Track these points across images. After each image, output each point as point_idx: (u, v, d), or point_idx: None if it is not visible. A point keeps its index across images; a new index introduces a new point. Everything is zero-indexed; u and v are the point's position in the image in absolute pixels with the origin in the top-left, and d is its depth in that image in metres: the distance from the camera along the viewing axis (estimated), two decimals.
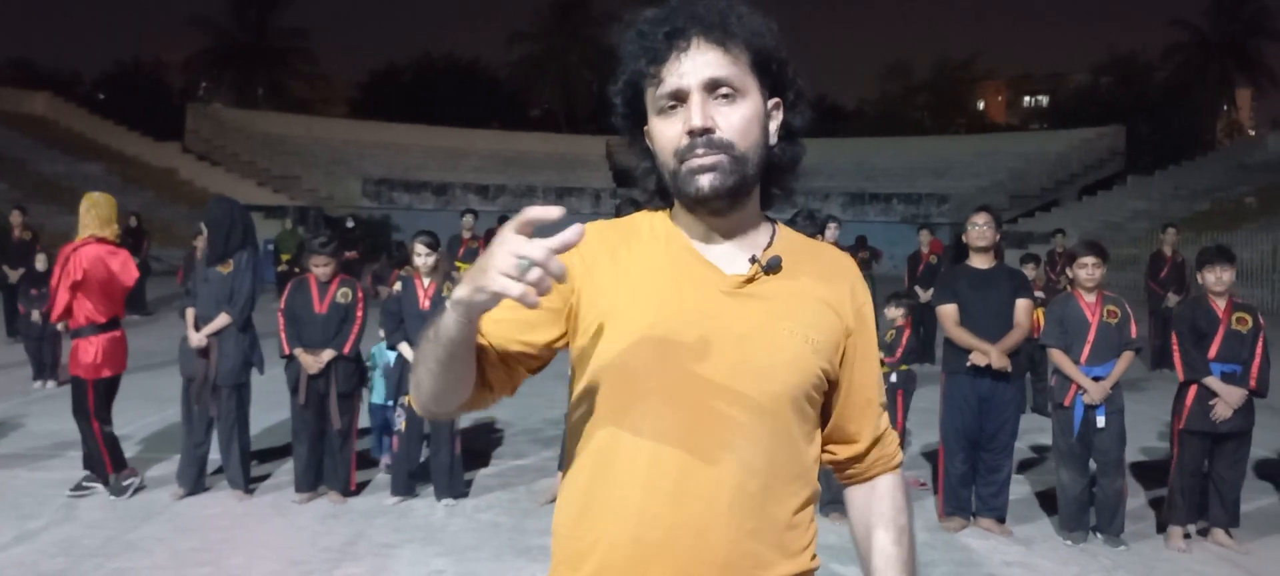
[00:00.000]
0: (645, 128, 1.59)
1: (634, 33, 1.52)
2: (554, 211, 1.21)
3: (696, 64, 1.47)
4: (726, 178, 1.47)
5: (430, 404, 1.51)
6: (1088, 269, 5.69)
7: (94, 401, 5.97)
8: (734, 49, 1.48)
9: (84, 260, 5.88)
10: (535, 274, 1.18)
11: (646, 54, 1.49)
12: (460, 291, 1.30)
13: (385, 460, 6.73)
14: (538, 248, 1.18)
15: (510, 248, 1.19)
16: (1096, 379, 5.59)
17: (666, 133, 1.50)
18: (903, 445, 6.81)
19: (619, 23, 1.58)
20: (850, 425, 1.67)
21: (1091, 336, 5.63)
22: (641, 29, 1.51)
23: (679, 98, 1.48)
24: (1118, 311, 5.67)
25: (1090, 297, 5.72)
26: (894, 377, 6.59)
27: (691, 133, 1.46)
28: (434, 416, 1.56)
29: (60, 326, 5.99)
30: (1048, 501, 6.55)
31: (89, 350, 5.95)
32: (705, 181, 1.47)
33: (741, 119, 1.49)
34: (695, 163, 1.47)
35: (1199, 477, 5.73)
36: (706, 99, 1.47)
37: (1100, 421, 5.58)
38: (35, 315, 9.75)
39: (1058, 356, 5.71)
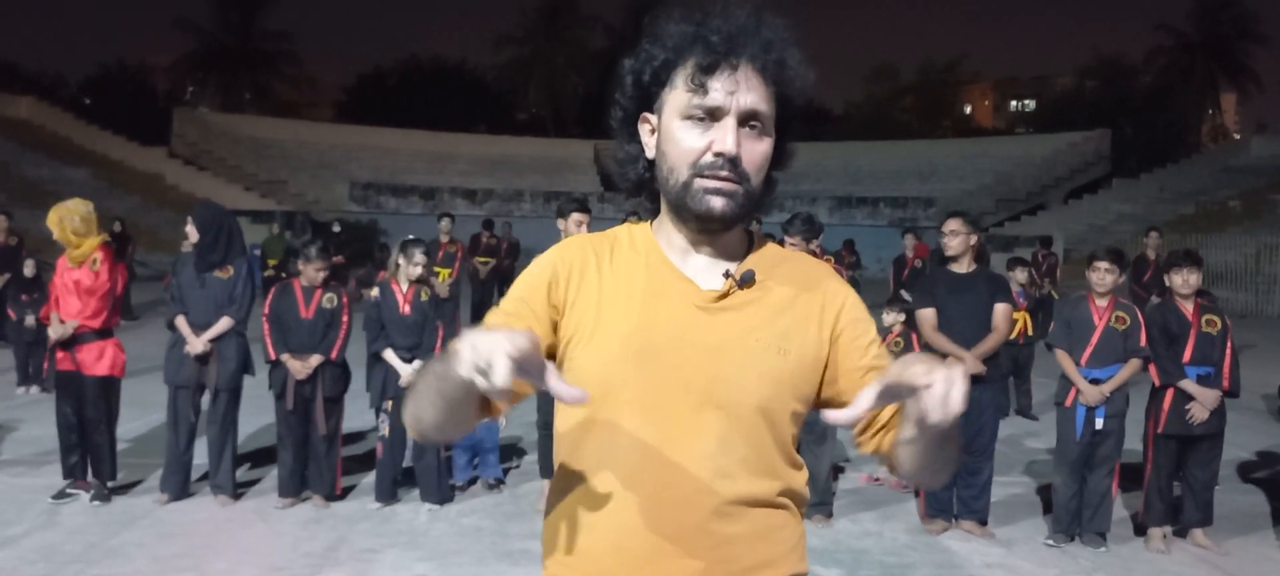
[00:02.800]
0: (645, 114, 1.60)
1: (691, 26, 1.52)
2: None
3: (743, 90, 1.49)
4: (737, 208, 1.51)
5: (432, 433, 1.52)
6: (1099, 273, 5.72)
7: (113, 402, 6.10)
8: (773, 89, 1.52)
9: (122, 270, 6.17)
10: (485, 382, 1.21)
11: (699, 53, 1.49)
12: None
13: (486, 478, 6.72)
14: (500, 369, 1.19)
15: (484, 346, 1.21)
16: (1095, 381, 5.63)
17: (689, 141, 1.51)
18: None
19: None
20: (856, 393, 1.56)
21: (1095, 339, 5.66)
22: (700, 25, 1.51)
23: (714, 115, 1.49)
24: (1127, 318, 5.68)
25: (1102, 302, 5.75)
26: None
27: (719, 154, 1.49)
28: (429, 440, 1.57)
29: (71, 328, 5.96)
30: (1029, 503, 6.60)
31: (119, 351, 6.09)
32: (717, 204, 1.50)
33: (762, 156, 1.53)
34: (712, 183, 1.50)
35: (1173, 479, 5.79)
36: (741, 128, 1.50)
37: (1099, 423, 5.62)
38: (29, 320, 9.69)
39: (1061, 356, 5.76)
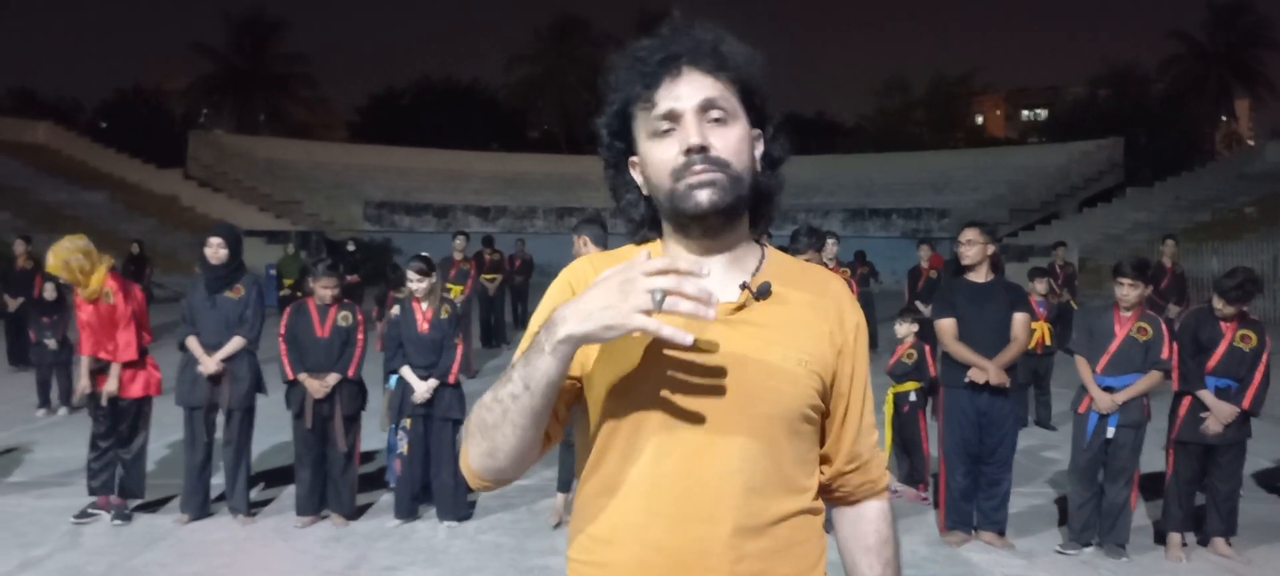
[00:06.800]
0: (632, 159, 1.63)
1: (627, 61, 1.57)
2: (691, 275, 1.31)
3: (690, 88, 1.51)
4: (725, 194, 1.50)
5: (507, 466, 1.50)
6: (1123, 288, 5.70)
7: (144, 420, 6.24)
8: (724, 78, 1.53)
9: (136, 291, 6.22)
10: (670, 301, 1.29)
11: (641, 79, 1.53)
12: (574, 327, 1.34)
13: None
14: (669, 278, 1.29)
15: (643, 284, 1.29)
16: (1109, 390, 5.61)
17: (662, 155, 1.53)
18: (923, 460, 6.81)
19: (613, 51, 1.62)
20: (832, 443, 1.69)
21: (1113, 348, 5.64)
22: (636, 56, 1.55)
23: (673, 118, 1.51)
24: (1149, 330, 5.66)
25: (1126, 312, 5.73)
26: (914, 397, 6.62)
27: (689, 150, 1.49)
28: (500, 482, 1.54)
29: (114, 384, 6.07)
30: (1049, 514, 6.57)
31: (154, 370, 6.25)
32: (704, 196, 1.50)
33: (736, 139, 1.53)
34: (694, 179, 1.50)
35: (1194, 486, 5.76)
36: (701, 119, 1.51)
37: (1110, 432, 5.59)
38: (50, 342, 9.72)
39: (1078, 362, 5.76)
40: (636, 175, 1.64)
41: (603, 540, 1.56)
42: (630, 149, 1.62)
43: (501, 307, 15.69)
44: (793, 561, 1.56)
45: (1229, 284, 5.70)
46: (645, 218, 1.66)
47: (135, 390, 6.11)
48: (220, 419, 6.19)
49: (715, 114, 1.52)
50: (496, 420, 1.45)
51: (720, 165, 1.50)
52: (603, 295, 1.32)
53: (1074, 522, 5.74)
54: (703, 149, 1.49)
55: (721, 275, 1.59)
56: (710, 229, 1.56)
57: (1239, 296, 5.64)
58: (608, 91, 1.62)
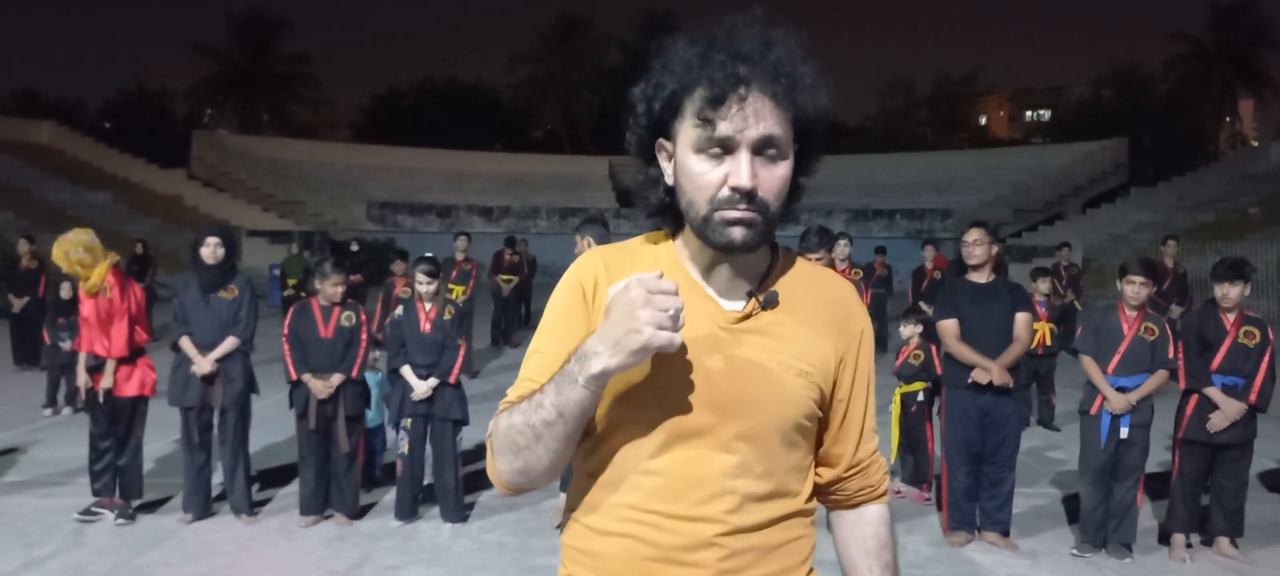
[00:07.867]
0: (660, 141, 1.58)
1: (697, 53, 1.49)
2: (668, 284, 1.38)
3: (752, 118, 1.45)
4: (759, 236, 1.49)
5: (541, 481, 1.54)
6: (1135, 287, 5.68)
7: (139, 420, 6.22)
8: (787, 109, 1.48)
9: (136, 289, 6.19)
10: (682, 319, 1.37)
11: (707, 86, 1.46)
12: (608, 362, 1.38)
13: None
14: (674, 298, 1.36)
15: (657, 305, 1.34)
16: (1122, 390, 5.60)
17: (705, 175, 1.48)
18: (928, 461, 6.80)
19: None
20: (833, 447, 1.69)
21: (1123, 348, 5.64)
22: (707, 57, 1.47)
23: (726, 147, 1.46)
24: (1155, 329, 5.66)
25: (1132, 312, 5.73)
26: (921, 397, 6.60)
27: (735, 188, 1.46)
28: (525, 491, 1.59)
29: (110, 376, 6.06)
30: (1053, 514, 6.56)
31: (149, 370, 6.21)
32: (738, 234, 1.48)
33: (780, 181, 1.50)
34: (732, 215, 1.47)
35: (1200, 486, 5.75)
36: (755, 160, 1.47)
37: (1124, 432, 5.58)
38: (65, 346, 9.70)
39: (1087, 363, 5.74)
40: (663, 159, 1.59)
41: (594, 530, 1.58)
42: (662, 130, 1.56)
43: (514, 309, 15.66)
44: (780, 559, 1.58)
45: (1221, 267, 5.72)
46: (662, 205, 1.62)
47: (130, 389, 6.10)
48: (216, 419, 6.19)
49: (770, 152, 1.47)
50: (528, 442, 1.49)
51: (762, 208, 1.48)
52: (622, 321, 1.35)
53: (1087, 525, 5.72)
54: (751, 193, 1.46)
55: (732, 282, 1.60)
56: (733, 252, 1.54)
57: (1232, 275, 5.63)
58: (657, 64, 1.54)
